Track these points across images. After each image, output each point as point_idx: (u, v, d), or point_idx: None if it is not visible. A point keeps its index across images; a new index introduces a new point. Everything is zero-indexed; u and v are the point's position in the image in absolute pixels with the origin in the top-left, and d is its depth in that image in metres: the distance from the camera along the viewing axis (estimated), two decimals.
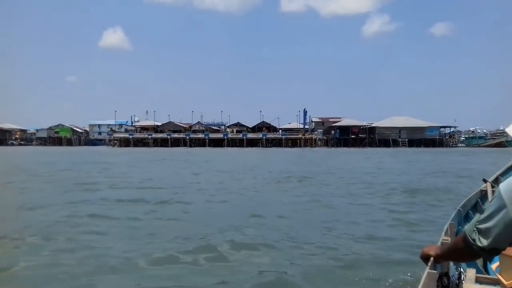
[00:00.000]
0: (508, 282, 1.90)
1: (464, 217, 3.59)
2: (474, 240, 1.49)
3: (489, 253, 1.49)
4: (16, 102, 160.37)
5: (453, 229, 2.84)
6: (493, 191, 3.62)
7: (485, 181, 4.11)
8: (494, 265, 2.28)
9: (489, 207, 1.48)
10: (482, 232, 1.47)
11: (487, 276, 2.41)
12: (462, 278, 2.27)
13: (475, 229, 1.50)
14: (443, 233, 2.69)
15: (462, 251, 1.58)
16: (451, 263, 2.43)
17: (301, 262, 5.06)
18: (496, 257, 2.04)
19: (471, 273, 2.34)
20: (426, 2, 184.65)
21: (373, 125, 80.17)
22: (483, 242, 1.46)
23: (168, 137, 79.19)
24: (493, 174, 4.37)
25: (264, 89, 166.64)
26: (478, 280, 2.30)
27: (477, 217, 1.55)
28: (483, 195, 4.01)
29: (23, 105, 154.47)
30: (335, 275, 4.64)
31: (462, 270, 2.40)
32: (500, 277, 2.03)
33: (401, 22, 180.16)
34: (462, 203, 3.83)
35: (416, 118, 79.69)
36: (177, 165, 24.23)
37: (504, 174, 4.48)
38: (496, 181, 4.25)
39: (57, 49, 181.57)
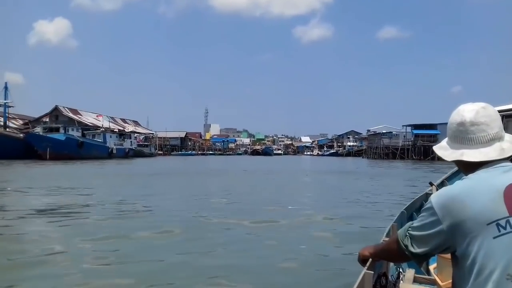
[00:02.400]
0: (444, 283, 2.08)
1: (408, 218, 3.61)
2: (406, 246, 1.51)
3: (420, 258, 1.52)
4: None
5: (396, 230, 2.70)
6: None
7: (431, 184, 4.14)
8: (432, 266, 2.52)
9: (422, 217, 1.47)
10: (415, 239, 1.49)
11: (425, 276, 2.50)
12: (400, 278, 2.30)
13: (407, 234, 1.52)
14: (385, 233, 2.70)
15: (394, 253, 1.62)
16: (391, 263, 2.42)
17: None
18: (434, 258, 2.31)
19: (410, 273, 2.40)
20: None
21: None
22: (415, 248, 1.49)
23: None
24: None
25: None
26: (416, 280, 2.39)
27: (410, 223, 1.57)
28: (428, 198, 3.46)
29: None
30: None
31: (401, 270, 2.40)
32: (436, 277, 2.25)
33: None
34: (407, 205, 4.02)
35: None
36: None
37: (450, 178, 4.69)
38: (442, 185, 4.37)
39: None
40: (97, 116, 74.77)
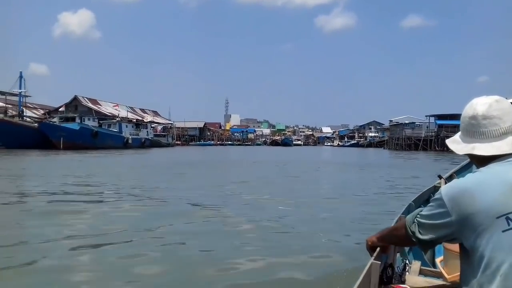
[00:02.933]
0: (450, 276, 2.08)
1: None
2: (413, 232, 1.53)
3: (426, 244, 1.53)
4: None
5: None
6: None
7: (440, 177, 4.11)
8: (438, 259, 2.49)
9: (431, 206, 1.48)
10: (422, 227, 1.50)
11: (431, 269, 2.49)
12: (406, 270, 2.27)
13: (415, 221, 1.53)
14: (393, 225, 2.57)
15: (401, 238, 1.63)
16: (398, 254, 2.41)
17: None
18: (441, 251, 2.37)
19: (416, 265, 2.41)
20: None
21: None
22: (422, 235, 1.50)
23: None
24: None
25: None
26: (422, 273, 2.40)
27: (419, 209, 1.58)
28: (436, 191, 3.45)
29: None
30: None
31: (407, 261, 2.38)
32: (443, 270, 2.23)
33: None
34: (415, 197, 3.97)
35: None
36: None
37: (459, 172, 4.56)
38: (451, 178, 4.25)
39: None
40: (114, 106, 74.68)
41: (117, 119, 58.22)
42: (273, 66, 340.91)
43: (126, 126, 57.04)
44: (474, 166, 1.57)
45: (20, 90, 46.45)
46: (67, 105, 75.92)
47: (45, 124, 43.57)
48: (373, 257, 1.82)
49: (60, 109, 66.43)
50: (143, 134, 60.95)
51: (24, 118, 49.65)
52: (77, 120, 49.56)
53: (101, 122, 55.13)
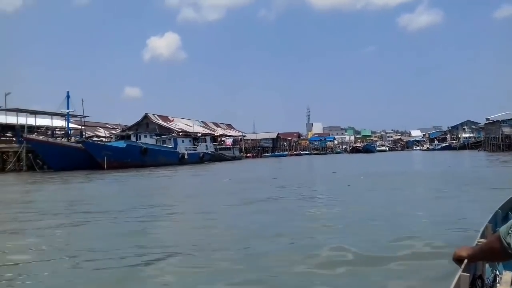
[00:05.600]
0: None
1: (503, 218, 3.32)
2: (509, 243, 1.44)
3: None
4: None
5: (490, 231, 2.56)
6: None
7: None
8: None
9: None
10: None
11: None
12: (497, 281, 2.14)
13: (510, 232, 1.45)
14: (479, 234, 2.51)
15: (495, 252, 1.55)
16: (487, 265, 2.32)
17: None
18: None
19: (507, 276, 2.26)
20: None
21: None
22: None
23: None
24: None
25: None
26: None
27: None
28: None
29: None
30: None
31: (497, 272, 2.26)
32: None
33: None
34: (502, 204, 3.56)
35: None
36: None
37: None
38: None
39: None
40: (171, 120, 73.86)
41: (172, 134, 56.13)
42: (356, 70, 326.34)
43: (183, 141, 54.64)
44: None
45: (68, 110, 46.00)
46: (139, 123, 77.07)
47: (88, 144, 42.36)
48: (461, 269, 1.72)
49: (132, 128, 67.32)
50: (201, 148, 58.18)
51: (85, 138, 49.57)
52: (132, 138, 48.26)
53: (156, 138, 53.39)
